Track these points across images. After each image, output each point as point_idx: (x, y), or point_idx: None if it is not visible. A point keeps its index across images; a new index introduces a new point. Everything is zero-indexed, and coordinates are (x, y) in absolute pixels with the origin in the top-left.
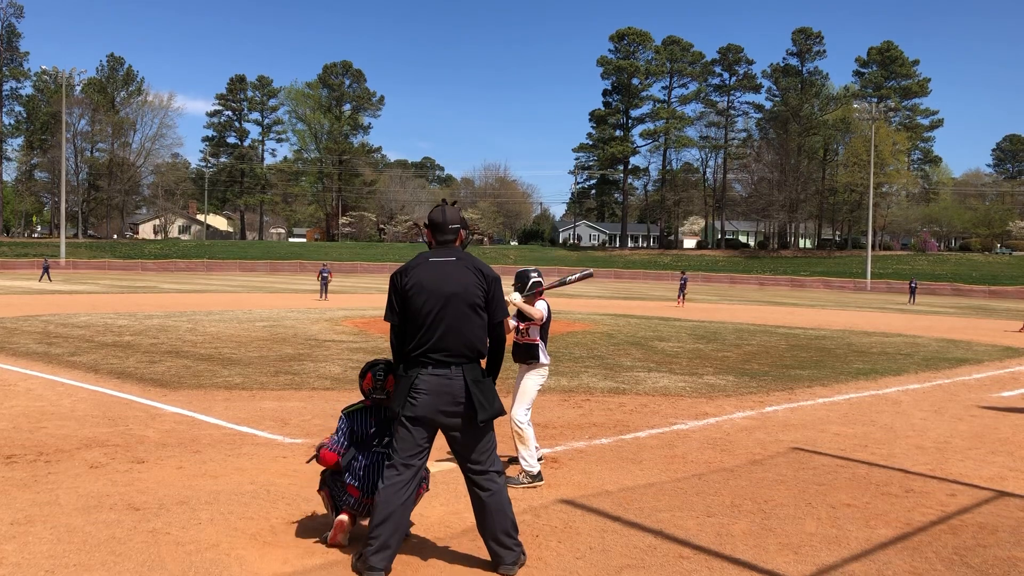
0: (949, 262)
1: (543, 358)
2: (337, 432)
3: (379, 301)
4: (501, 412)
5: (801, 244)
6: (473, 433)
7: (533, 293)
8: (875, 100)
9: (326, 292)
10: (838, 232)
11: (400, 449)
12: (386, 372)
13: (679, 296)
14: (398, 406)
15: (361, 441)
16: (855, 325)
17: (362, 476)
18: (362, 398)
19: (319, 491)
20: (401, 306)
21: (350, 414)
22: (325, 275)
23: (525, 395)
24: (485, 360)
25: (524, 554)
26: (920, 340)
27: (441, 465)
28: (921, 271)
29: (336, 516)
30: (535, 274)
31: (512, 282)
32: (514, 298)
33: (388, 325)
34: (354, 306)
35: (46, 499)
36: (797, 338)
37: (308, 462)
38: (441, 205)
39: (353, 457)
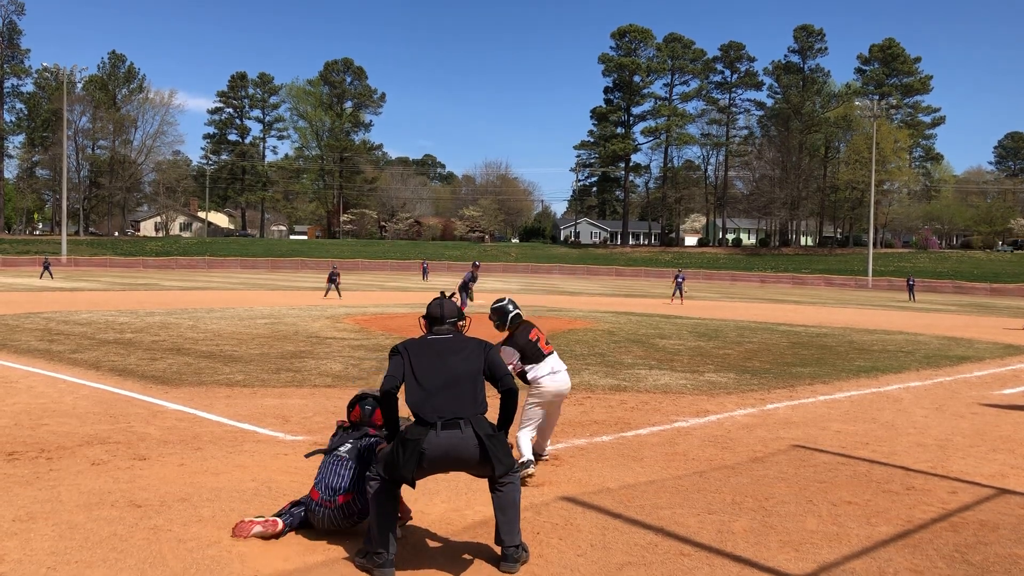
0: (950, 260)
1: (531, 378)
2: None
3: (381, 298)
4: (514, 466)
5: (802, 242)
6: (484, 472)
7: (515, 325)
8: (877, 97)
9: (338, 291)
10: (839, 230)
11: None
12: (374, 406)
13: (673, 295)
14: (407, 473)
15: (331, 450)
16: (856, 323)
17: (320, 480)
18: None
19: None
20: (404, 375)
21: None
22: (335, 276)
23: (524, 418)
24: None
25: (526, 551)
26: (921, 338)
27: None
28: (922, 269)
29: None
30: (510, 305)
31: (489, 315)
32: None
33: (391, 322)
34: (355, 304)
35: (48, 496)
36: (798, 336)
37: (309, 456)
38: (439, 299)
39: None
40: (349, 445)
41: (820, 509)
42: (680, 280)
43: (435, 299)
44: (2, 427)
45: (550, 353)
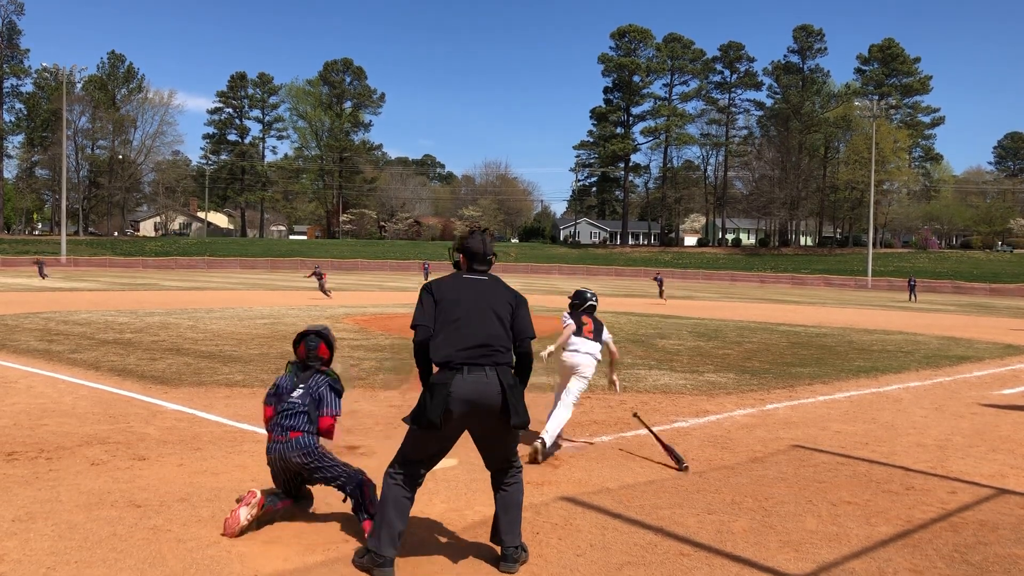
0: (950, 260)
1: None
2: (271, 387)
3: (379, 299)
4: (528, 423)
5: (802, 242)
6: (500, 435)
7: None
8: (876, 98)
9: (325, 291)
10: (839, 230)
11: (412, 452)
12: (317, 341)
13: (660, 294)
14: (434, 415)
15: (279, 395)
16: (856, 323)
17: (277, 423)
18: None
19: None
20: (434, 315)
21: (284, 376)
22: (319, 274)
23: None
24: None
25: (525, 551)
26: (921, 338)
27: (441, 462)
28: (922, 269)
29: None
30: (592, 298)
31: (571, 299)
32: (543, 355)
33: (391, 322)
34: (355, 304)
35: (47, 496)
36: (798, 336)
37: (267, 403)
38: (480, 233)
39: (277, 411)
40: (300, 390)
41: (820, 509)
42: (659, 280)
43: (476, 232)
44: (1, 427)
45: (588, 337)
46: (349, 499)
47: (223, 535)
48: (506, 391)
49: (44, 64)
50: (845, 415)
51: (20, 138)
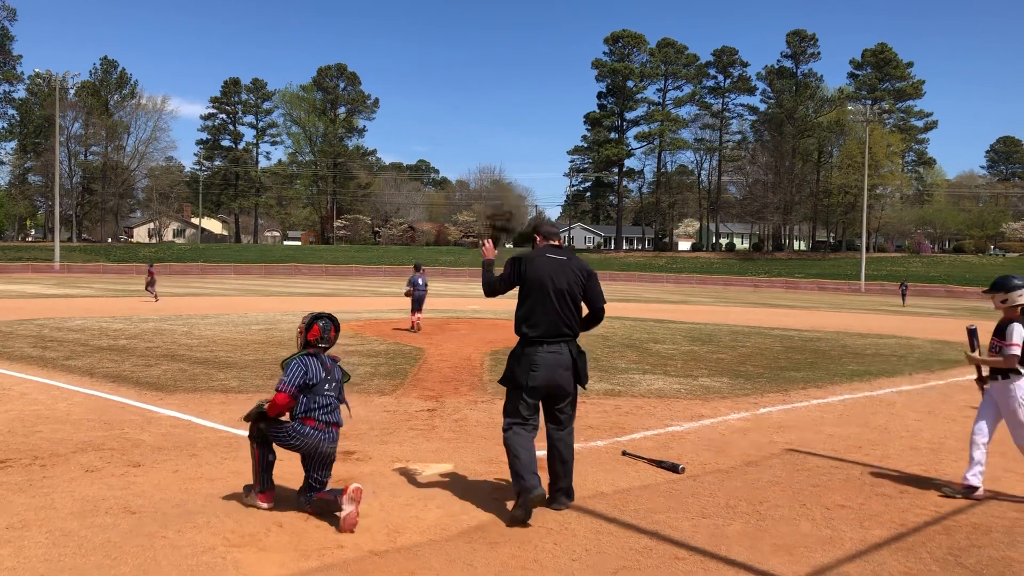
0: (943, 264)
1: None
2: (288, 375)
3: (375, 304)
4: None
5: (796, 246)
6: (572, 395)
7: None
8: (869, 102)
9: (154, 293)
10: (832, 234)
11: (524, 410)
12: (331, 324)
13: None
14: (523, 379)
15: (312, 386)
16: (849, 327)
17: (319, 418)
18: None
19: (251, 451)
20: (519, 286)
21: (304, 357)
22: (419, 291)
23: None
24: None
25: (572, 497)
26: (914, 342)
27: (436, 467)
28: (915, 273)
29: (260, 485)
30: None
31: None
32: None
33: (385, 327)
34: (349, 309)
35: (41, 503)
36: (792, 340)
37: (249, 417)
38: (546, 217)
39: (311, 401)
40: (333, 384)
41: (814, 513)
42: (419, 291)
43: (546, 218)
44: None
45: None
46: (310, 494)
47: (341, 531)
48: (576, 361)
49: (37, 70)
50: (839, 419)
51: (13, 144)
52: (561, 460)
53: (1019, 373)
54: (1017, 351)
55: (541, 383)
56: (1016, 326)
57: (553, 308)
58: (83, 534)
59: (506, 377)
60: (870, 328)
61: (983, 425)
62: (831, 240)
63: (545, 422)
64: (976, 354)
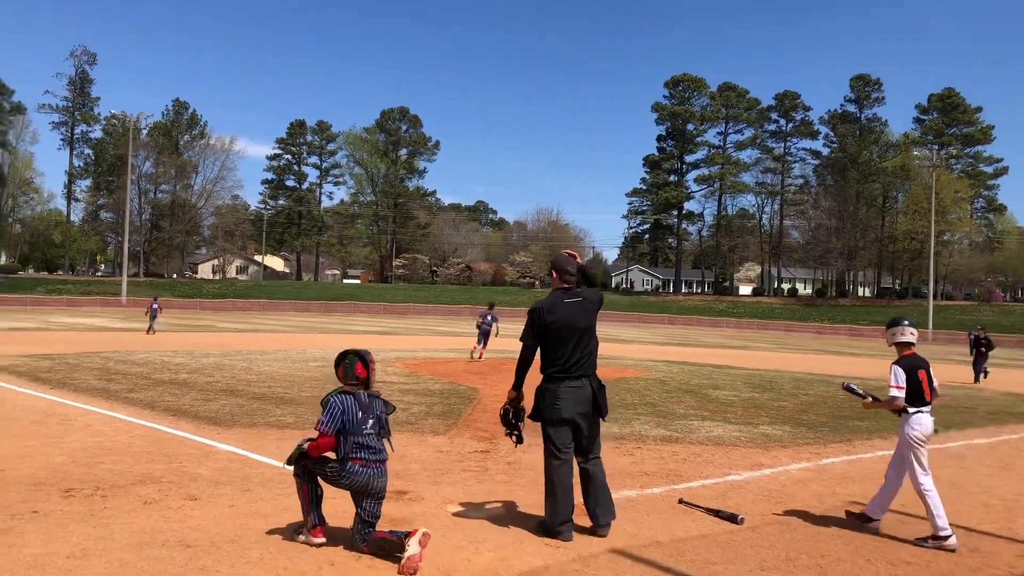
0: (1015, 313)
1: None
2: (326, 415)
3: (431, 343)
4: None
5: (860, 292)
6: (593, 428)
7: None
8: (936, 147)
9: (152, 327)
10: (898, 281)
11: (558, 443)
12: (353, 360)
13: None
14: (548, 413)
15: (351, 425)
16: None
17: (364, 457)
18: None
19: (298, 487)
20: (541, 335)
21: (340, 395)
22: (155, 308)
23: None
24: None
25: (614, 516)
26: (984, 393)
27: (489, 510)
28: (985, 322)
29: (311, 521)
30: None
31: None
32: None
33: (440, 367)
34: (406, 348)
35: (101, 533)
36: None
37: (291, 461)
38: (566, 255)
39: (352, 439)
40: (372, 420)
41: (878, 568)
42: (485, 326)
43: (563, 255)
44: (60, 464)
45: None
46: (366, 531)
47: (400, 574)
48: (596, 394)
49: (112, 111)
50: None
51: (87, 182)
52: (595, 486)
53: (907, 412)
54: (895, 392)
55: (565, 416)
56: (892, 368)
57: (575, 348)
58: (140, 566)
59: (534, 412)
60: (939, 379)
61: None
62: (897, 287)
63: (575, 454)
64: (869, 399)
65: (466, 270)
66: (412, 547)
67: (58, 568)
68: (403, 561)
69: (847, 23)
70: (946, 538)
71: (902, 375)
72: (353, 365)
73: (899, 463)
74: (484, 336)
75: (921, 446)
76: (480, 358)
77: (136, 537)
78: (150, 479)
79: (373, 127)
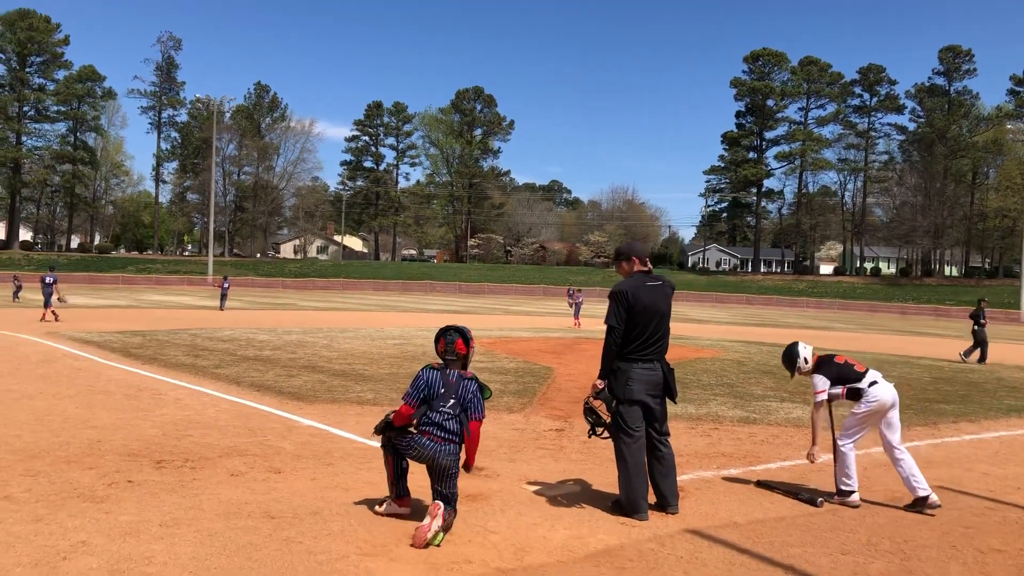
0: None
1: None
2: (412, 386)
3: (506, 322)
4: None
5: (947, 272)
6: (663, 409)
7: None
8: None
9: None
10: (988, 260)
11: (631, 422)
12: (456, 336)
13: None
14: (620, 393)
15: (431, 399)
16: (1006, 359)
17: (435, 432)
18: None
19: (384, 459)
20: (626, 317)
21: (427, 369)
22: (578, 301)
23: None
24: None
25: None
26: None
27: (564, 488)
28: None
29: (395, 491)
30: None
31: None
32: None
33: (515, 346)
34: (481, 327)
35: (191, 503)
36: (941, 370)
37: (378, 429)
38: (637, 241)
39: (428, 414)
40: (453, 400)
41: (965, 556)
42: (575, 303)
43: (636, 241)
44: (151, 436)
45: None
46: (443, 510)
47: (412, 546)
48: (667, 376)
49: (197, 95)
50: (994, 456)
51: (174, 165)
52: (665, 467)
53: (863, 391)
54: (821, 397)
55: (636, 397)
56: (813, 376)
57: (653, 331)
58: (227, 535)
59: (608, 392)
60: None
61: (885, 443)
62: (986, 266)
63: (647, 434)
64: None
65: (540, 250)
66: (425, 519)
67: (151, 535)
68: (415, 532)
69: None
70: (849, 494)
71: (822, 380)
72: (454, 341)
73: (883, 440)
74: (577, 309)
75: (867, 417)
76: (578, 326)
77: (223, 507)
78: (236, 452)
79: (448, 108)
